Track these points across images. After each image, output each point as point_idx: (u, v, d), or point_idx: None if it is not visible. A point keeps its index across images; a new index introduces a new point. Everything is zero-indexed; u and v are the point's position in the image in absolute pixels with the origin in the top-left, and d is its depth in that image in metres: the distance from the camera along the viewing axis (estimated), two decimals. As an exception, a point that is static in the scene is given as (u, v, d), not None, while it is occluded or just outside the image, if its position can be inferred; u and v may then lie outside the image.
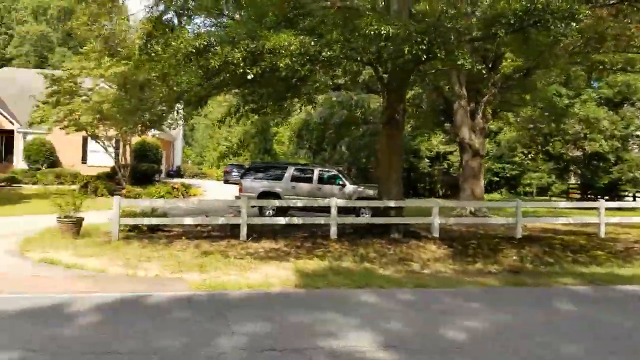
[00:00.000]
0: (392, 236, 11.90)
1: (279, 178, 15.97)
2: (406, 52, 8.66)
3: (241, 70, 9.49)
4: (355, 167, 25.99)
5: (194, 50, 9.65)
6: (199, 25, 15.22)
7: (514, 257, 10.92)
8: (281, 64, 9.13)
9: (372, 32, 8.35)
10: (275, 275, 8.50)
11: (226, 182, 33.97)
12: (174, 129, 28.48)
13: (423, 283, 7.99)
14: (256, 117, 15.60)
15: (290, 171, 15.97)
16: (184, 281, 7.92)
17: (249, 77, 9.50)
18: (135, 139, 26.34)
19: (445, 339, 5.31)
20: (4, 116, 31.21)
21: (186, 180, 30.58)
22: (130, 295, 6.80)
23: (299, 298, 6.95)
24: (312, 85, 10.78)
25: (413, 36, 8.52)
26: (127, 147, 25.48)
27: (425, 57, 8.45)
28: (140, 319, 5.73)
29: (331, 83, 11.36)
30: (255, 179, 16.16)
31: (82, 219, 11.65)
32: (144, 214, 12.51)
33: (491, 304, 6.88)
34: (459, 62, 8.63)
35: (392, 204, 12.05)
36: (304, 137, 25.77)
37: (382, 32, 8.34)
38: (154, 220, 12.11)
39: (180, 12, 13.74)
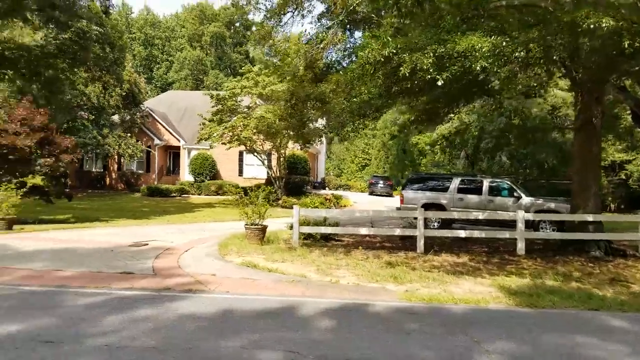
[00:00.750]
0: (592, 254, 10.64)
1: (444, 189, 15.38)
2: (626, 45, 7.68)
3: (429, 77, 9.24)
4: (519, 178, 24.24)
5: (382, 59, 9.62)
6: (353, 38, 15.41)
7: None
8: (476, 67, 8.68)
9: (592, 26, 7.49)
10: (477, 290, 7.98)
11: (371, 193, 34.09)
12: (332, 141, 29.30)
13: (672, 309, 6.87)
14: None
15: (456, 182, 15.28)
16: (388, 291, 7.76)
17: (439, 83, 9.19)
18: (287, 153, 27.64)
19: None
20: (172, 134, 34.96)
21: (332, 192, 31.30)
22: (350, 302, 6.81)
23: (532, 317, 6.35)
24: (514, 88, 10.13)
25: (634, 27, 7.52)
26: (281, 160, 26.80)
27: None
28: (374, 327, 5.62)
29: (535, 84, 10.59)
30: (417, 189, 15.77)
31: (266, 226, 12.25)
32: (316, 223, 12.82)
33: None
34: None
35: (589, 218, 10.81)
36: (457, 146, 24.76)
37: (604, 25, 7.45)
38: (330, 230, 12.33)
39: (347, 22, 13.98)
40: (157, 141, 34.32)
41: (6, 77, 25.10)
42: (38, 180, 15.86)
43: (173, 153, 35.89)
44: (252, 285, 7.89)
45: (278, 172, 26.47)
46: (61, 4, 22.09)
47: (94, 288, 7.36)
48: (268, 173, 26.91)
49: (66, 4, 22.35)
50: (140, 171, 34.55)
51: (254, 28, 66.21)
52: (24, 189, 14.87)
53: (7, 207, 13.77)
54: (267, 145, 25.32)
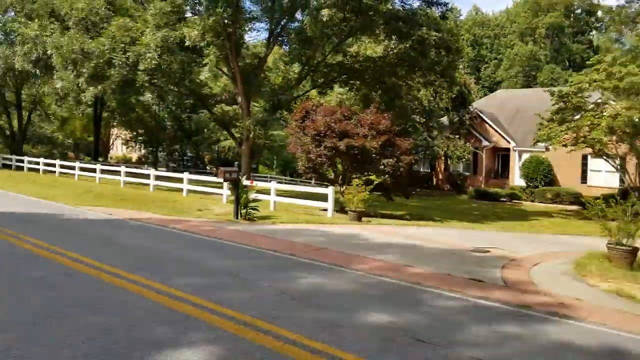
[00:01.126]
0: None
1: None
2: None
3: None
4: None
5: None
6: None
7: None
8: None
9: None
10: None
11: None
12: None
13: None
14: None
15: None
16: None
17: None
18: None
19: None
20: (501, 135, 33.65)
21: None
22: None
23: None
24: None
25: None
26: (640, 167, 22.18)
27: None
28: None
29: None
30: None
31: (638, 249, 9.91)
32: None
33: None
34: None
35: None
36: None
37: None
38: None
39: None
40: (484, 143, 33.65)
41: (354, 86, 29.03)
42: (379, 178, 17.40)
43: (502, 155, 34.50)
44: (636, 321, 6.25)
45: (638, 182, 21.90)
46: (404, 15, 23.82)
47: (448, 291, 7.17)
48: (624, 182, 22.59)
49: (408, 15, 23.97)
50: (466, 173, 34.60)
51: (599, 13, 57.81)
52: (371, 186, 16.49)
53: (358, 200, 15.54)
54: (623, 149, 21.22)
